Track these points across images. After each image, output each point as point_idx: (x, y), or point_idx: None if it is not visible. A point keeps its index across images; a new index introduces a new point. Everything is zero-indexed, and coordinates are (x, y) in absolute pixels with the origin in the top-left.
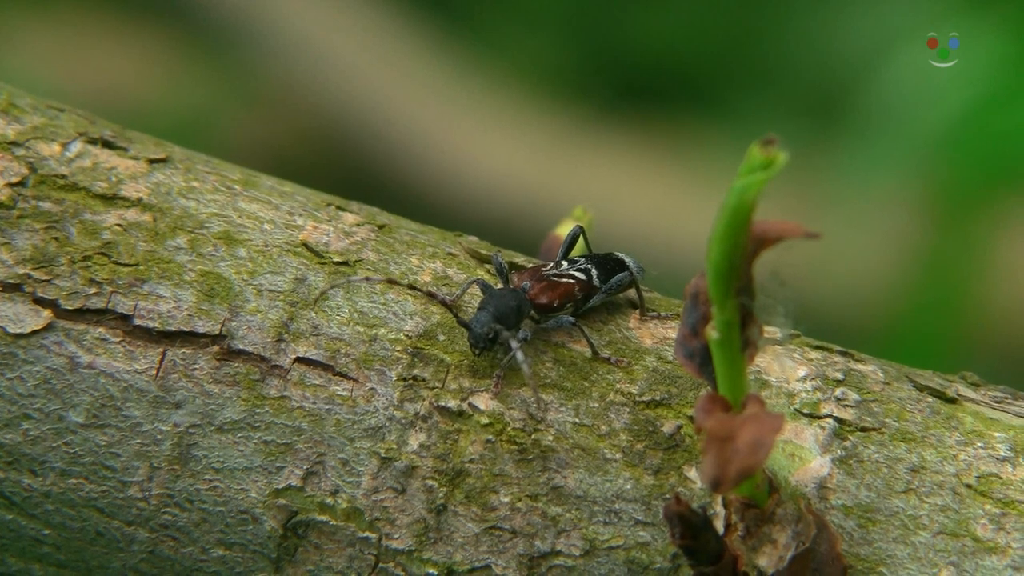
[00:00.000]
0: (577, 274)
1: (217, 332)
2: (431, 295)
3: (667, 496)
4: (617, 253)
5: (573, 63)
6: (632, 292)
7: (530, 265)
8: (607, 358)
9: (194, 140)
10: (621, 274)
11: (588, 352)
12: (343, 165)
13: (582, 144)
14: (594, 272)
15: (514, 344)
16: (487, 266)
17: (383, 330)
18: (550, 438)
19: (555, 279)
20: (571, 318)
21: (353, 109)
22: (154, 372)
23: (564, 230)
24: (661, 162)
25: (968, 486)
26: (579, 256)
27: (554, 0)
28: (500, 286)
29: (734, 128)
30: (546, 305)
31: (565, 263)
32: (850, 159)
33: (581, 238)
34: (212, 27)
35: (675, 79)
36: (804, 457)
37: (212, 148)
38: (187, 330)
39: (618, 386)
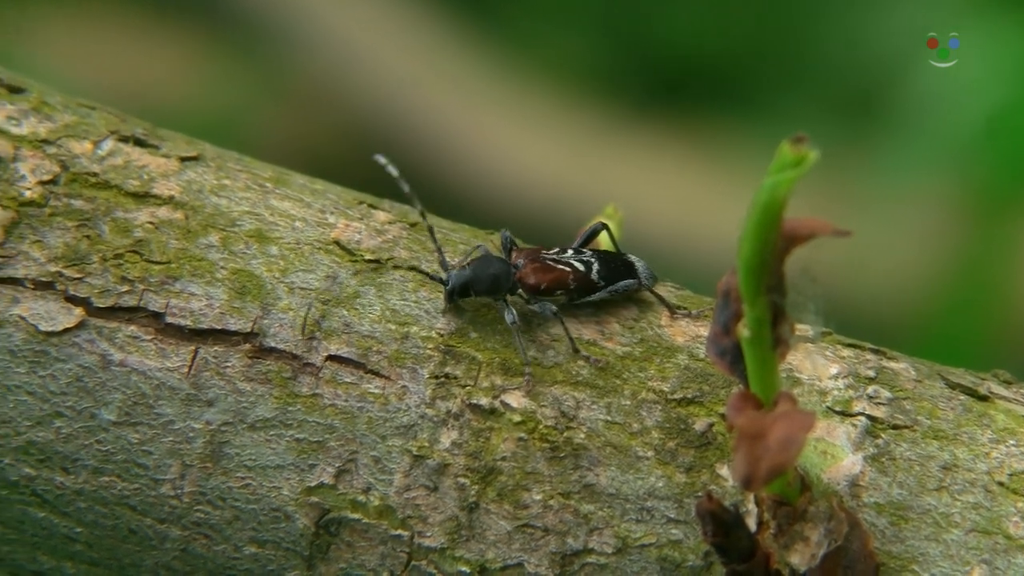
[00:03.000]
0: (576, 264)
1: (249, 330)
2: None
3: (699, 494)
4: (630, 256)
5: (605, 61)
6: (666, 295)
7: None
8: (586, 356)
9: (226, 138)
10: (628, 281)
11: (620, 350)
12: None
13: (614, 141)
14: (595, 267)
15: (508, 317)
16: None
17: (415, 328)
18: (582, 436)
19: (551, 263)
20: (554, 307)
21: (385, 107)
22: (186, 370)
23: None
24: (693, 160)
25: (1000, 484)
26: (588, 249)
27: None
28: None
29: (766, 126)
30: (533, 286)
31: (570, 251)
32: (884, 157)
33: (610, 236)
34: (245, 25)
35: (707, 76)
36: (836, 455)
37: (244, 146)
38: (219, 328)
39: (650, 384)
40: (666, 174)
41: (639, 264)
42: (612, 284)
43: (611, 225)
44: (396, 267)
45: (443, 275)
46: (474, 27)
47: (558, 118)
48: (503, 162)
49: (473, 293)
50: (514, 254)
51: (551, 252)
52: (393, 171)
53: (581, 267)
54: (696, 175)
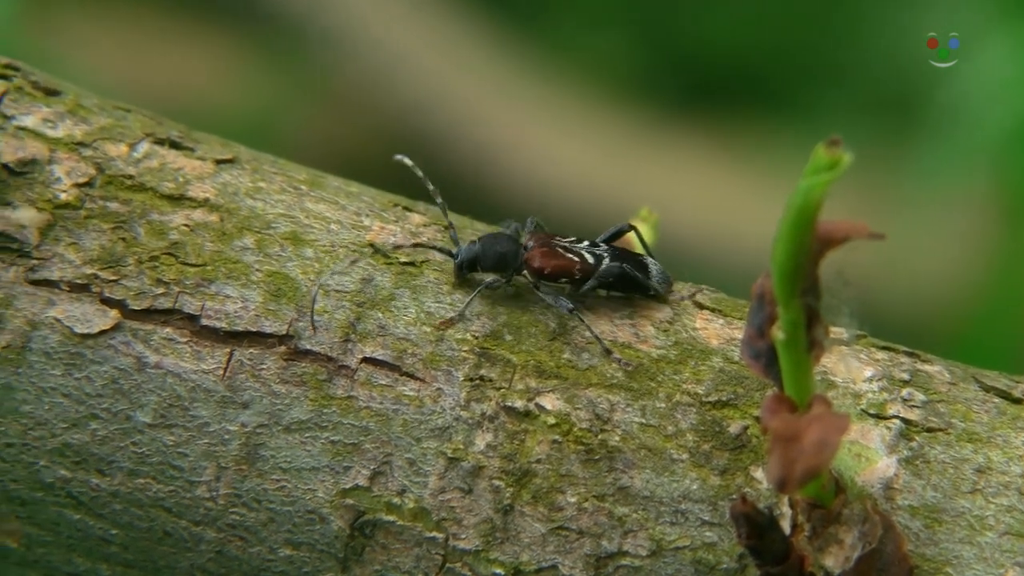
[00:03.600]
0: (586, 255)
1: (284, 332)
2: (433, 247)
3: (733, 496)
4: (647, 259)
5: (641, 62)
6: (700, 298)
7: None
8: (617, 359)
9: (262, 141)
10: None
11: (655, 353)
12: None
13: (649, 143)
14: (606, 261)
15: (488, 279)
16: None
17: (450, 330)
18: (617, 438)
19: (560, 250)
20: (569, 304)
21: (421, 109)
22: (221, 372)
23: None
24: (729, 162)
25: None
26: (605, 244)
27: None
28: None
29: (802, 128)
30: (537, 269)
31: (585, 243)
32: (922, 159)
33: (645, 238)
34: (282, 28)
35: (744, 78)
36: (870, 458)
37: (281, 148)
38: (254, 330)
39: (685, 386)
40: (702, 176)
41: (654, 267)
42: (621, 282)
43: (646, 228)
44: (423, 251)
45: (454, 249)
46: (510, 30)
47: (594, 120)
48: (539, 164)
49: (480, 268)
50: (527, 236)
51: (565, 240)
52: (408, 161)
53: (591, 259)
54: (732, 177)
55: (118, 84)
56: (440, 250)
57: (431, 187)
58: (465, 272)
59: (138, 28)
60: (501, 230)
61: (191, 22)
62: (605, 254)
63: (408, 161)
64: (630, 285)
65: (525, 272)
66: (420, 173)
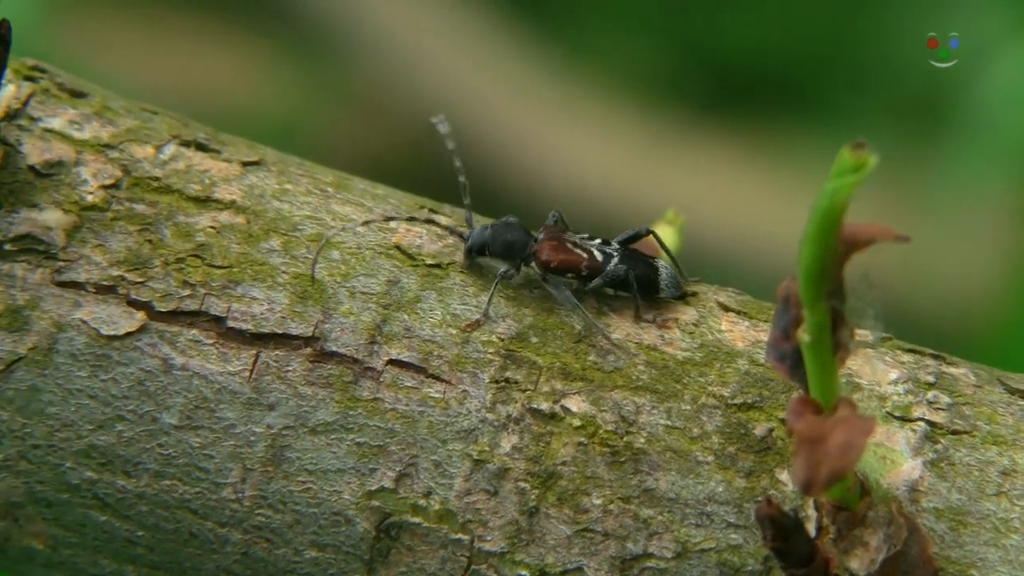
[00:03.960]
0: (595, 253)
1: (310, 334)
2: (449, 229)
3: (759, 499)
4: (659, 262)
5: (668, 65)
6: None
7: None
8: (617, 342)
9: (289, 143)
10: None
11: (680, 355)
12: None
13: (675, 146)
14: (615, 260)
15: (500, 268)
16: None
17: (475, 332)
18: (642, 440)
19: (569, 245)
20: (574, 300)
21: (447, 111)
22: (247, 374)
23: (658, 232)
24: (755, 165)
25: None
26: (618, 244)
27: (647, 2)
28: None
29: (830, 131)
30: (544, 262)
31: (598, 240)
32: (948, 163)
33: (659, 241)
34: (308, 30)
35: (772, 82)
36: (895, 460)
37: (307, 151)
38: (280, 332)
39: (710, 388)
40: (727, 179)
41: (664, 272)
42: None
43: (672, 230)
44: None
45: (465, 231)
46: (536, 32)
47: (620, 122)
48: (565, 167)
49: (488, 253)
50: (541, 229)
51: (577, 236)
52: (443, 128)
53: (599, 257)
54: (758, 180)
55: (144, 87)
56: (453, 231)
57: (458, 163)
58: (474, 256)
59: (164, 32)
60: (510, 219)
61: (217, 26)
62: (615, 254)
63: (444, 127)
64: (637, 287)
65: (533, 264)
66: (451, 145)
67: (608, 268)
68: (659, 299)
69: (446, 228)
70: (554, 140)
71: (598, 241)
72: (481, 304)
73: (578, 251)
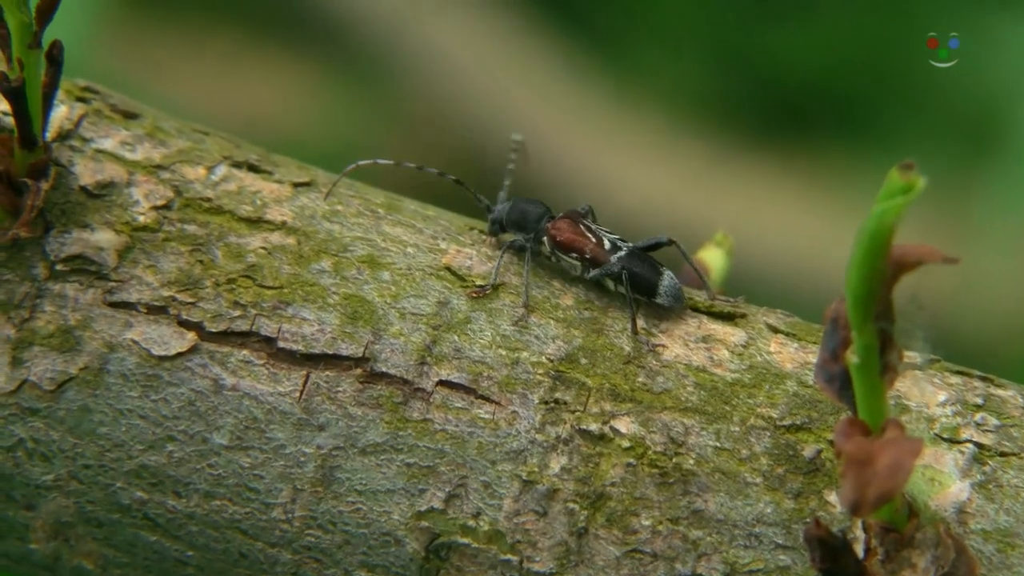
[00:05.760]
0: (604, 240)
1: (360, 355)
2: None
3: (807, 520)
4: (665, 269)
5: (718, 88)
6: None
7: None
8: (644, 341)
9: (340, 165)
10: (609, 268)
11: (729, 376)
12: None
13: (726, 169)
14: (621, 253)
15: (520, 239)
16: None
17: (525, 353)
18: (691, 462)
19: (582, 228)
20: (529, 266)
21: (498, 134)
22: (298, 394)
23: (706, 254)
24: (806, 188)
25: None
26: (628, 242)
27: (699, 25)
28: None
29: (881, 153)
30: (551, 236)
31: (615, 235)
32: (999, 185)
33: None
34: (360, 55)
35: (822, 105)
36: (943, 482)
37: (358, 173)
38: (331, 353)
39: (759, 410)
40: (777, 201)
41: (666, 278)
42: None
43: (721, 252)
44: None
45: (493, 207)
46: (587, 55)
47: (670, 145)
48: (614, 189)
49: (505, 223)
50: (563, 211)
51: (594, 224)
52: (518, 137)
53: (607, 244)
54: (808, 202)
55: (195, 110)
56: (480, 202)
57: (507, 181)
58: (497, 228)
59: (215, 55)
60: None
61: (268, 49)
62: (623, 248)
63: (519, 137)
64: (634, 285)
65: (544, 239)
66: (520, 138)
67: (611, 259)
68: (658, 305)
69: (479, 200)
70: (603, 163)
71: (615, 236)
72: (532, 325)
73: (587, 235)
